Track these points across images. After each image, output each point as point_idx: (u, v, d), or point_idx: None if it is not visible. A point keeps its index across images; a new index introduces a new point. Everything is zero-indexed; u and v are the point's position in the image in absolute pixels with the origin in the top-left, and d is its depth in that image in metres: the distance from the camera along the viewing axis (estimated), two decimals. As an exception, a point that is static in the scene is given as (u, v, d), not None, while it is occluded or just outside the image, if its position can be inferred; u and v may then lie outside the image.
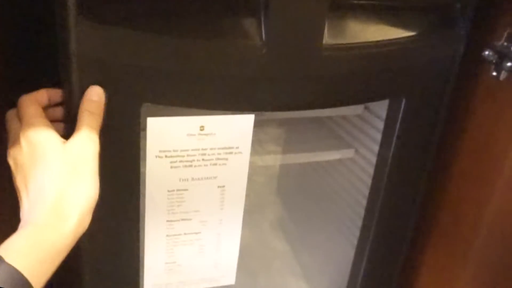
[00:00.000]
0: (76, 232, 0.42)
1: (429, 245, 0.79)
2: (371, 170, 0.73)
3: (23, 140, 0.44)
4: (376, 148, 0.72)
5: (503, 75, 0.64)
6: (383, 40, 0.58)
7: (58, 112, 0.50)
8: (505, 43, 0.64)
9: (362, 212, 0.74)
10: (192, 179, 0.56)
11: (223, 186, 0.58)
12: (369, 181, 0.73)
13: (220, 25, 0.51)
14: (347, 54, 0.56)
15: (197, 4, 0.49)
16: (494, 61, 0.64)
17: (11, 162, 0.46)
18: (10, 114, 0.49)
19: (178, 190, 0.56)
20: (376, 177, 0.69)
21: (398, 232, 0.73)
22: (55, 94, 0.50)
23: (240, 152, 0.56)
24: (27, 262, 0.38)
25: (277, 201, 1.00)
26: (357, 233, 0.74)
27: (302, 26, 0.52)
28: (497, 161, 0.66)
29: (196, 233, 0.60)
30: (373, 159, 0.72)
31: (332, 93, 0.57)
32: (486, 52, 0.65)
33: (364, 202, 0.74)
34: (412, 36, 0.60)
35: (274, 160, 0.77)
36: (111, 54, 0.47)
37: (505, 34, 0.64)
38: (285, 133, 0.80)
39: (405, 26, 0.60)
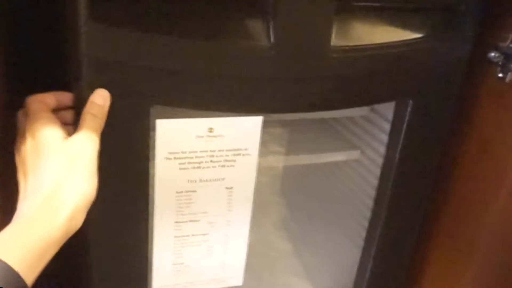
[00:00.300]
0: (68, 227, 0.42)
1: (434, 245, 0.79)
2: (376, 171, 0.73)
3: (28, 134, 0.46)
4: (381, 149, 0.72)
5: (509, 76, 0.64)
6: (390, 42, 0.58)
7: (69, 115, 0.50)
8: (511, 45, 0.64)
9: (367, 212, 0.74)
10: (201, 180, 0.56)
11: (231, 188, 0.58)
12: (374, 182, 0.73)
13: (229, 27, 0.51)
14: (355, 56, 0.56)
15: (207, 6, 0.50)
16: (500, 63, 0.65)
17: (16, 155, 0.47)
18: (20, 113, 0.49)
19: (186, 191, 0.56)
20: (383, 178, 0.69)
21: (404, 233, 0.73)
22: (64, 97, 0.50)
23: (248, 154, 0.56)
24: (17, 255, 0.38)
25: (281, 202, 1.00)
26: (362, 233, 0.75)
27: (310, 28, 0.52)
28: (502, 162, 0.66)
29: (204, 234, 0.60)
30: (379, 161, 0.72)
31: (339, 94, 0.57)
32: (492, 54, 0.65)
33: (369, 203, 0.74)
34: (419, 38, 0.60)
35: (279, 161, 0.78)
36: (121, 56, 0.47)
37: (511, 36, 0.64)
38: (290, 134, 0.80)
39: (411, 28, 0.60)
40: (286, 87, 0.54)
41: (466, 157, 0.72)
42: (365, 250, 0.73)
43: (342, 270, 0.81)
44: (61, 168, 0.43)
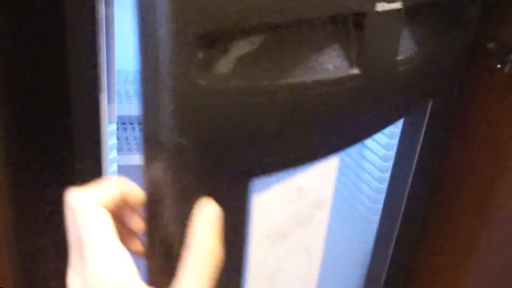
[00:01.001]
0: None
1: (434, 240, 0.79)
2: (378, 164, 0.72)
3: (92, 276, 0.28)
4: (384, 141, 0.70)
5: (508, 67, 0.65)
6: (422, 43, 0.54)
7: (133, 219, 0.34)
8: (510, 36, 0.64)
9: (371, 204, 0.72)
10: (287, 251, 0.46)
11: (312, 250, 0.48)
12: (376, 174, 0.72)
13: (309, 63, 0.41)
14: (412, 65, 0.51)
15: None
16: (498, 54, 0.65)
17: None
18: (69, 217, 0.30)
19: (277, 262, 0.45)
20: (395, 176, 0.68)
21: (404, 228, 0.73)
22: (130, 191, 0.32)
23: (324, 203, 0.47)
24: None
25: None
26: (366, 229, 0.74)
27: (387, 47, 0.46)
28: (503, 152, 0.67)
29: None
30: (381, 152, 0.71)
31: (402, 107, 0.54)
32: (490, 45, 0.65)
33: (372, 195, 0.73)
34: (431, 34, 0.57)
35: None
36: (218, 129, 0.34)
37: (510, 27, 0.64)
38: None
39: (425, 26, 0.57)
40: (369, 114, 0.47)
41: (467, 148, 0.72)
42: (375, 246, 0.73)
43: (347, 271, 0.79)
44: None
